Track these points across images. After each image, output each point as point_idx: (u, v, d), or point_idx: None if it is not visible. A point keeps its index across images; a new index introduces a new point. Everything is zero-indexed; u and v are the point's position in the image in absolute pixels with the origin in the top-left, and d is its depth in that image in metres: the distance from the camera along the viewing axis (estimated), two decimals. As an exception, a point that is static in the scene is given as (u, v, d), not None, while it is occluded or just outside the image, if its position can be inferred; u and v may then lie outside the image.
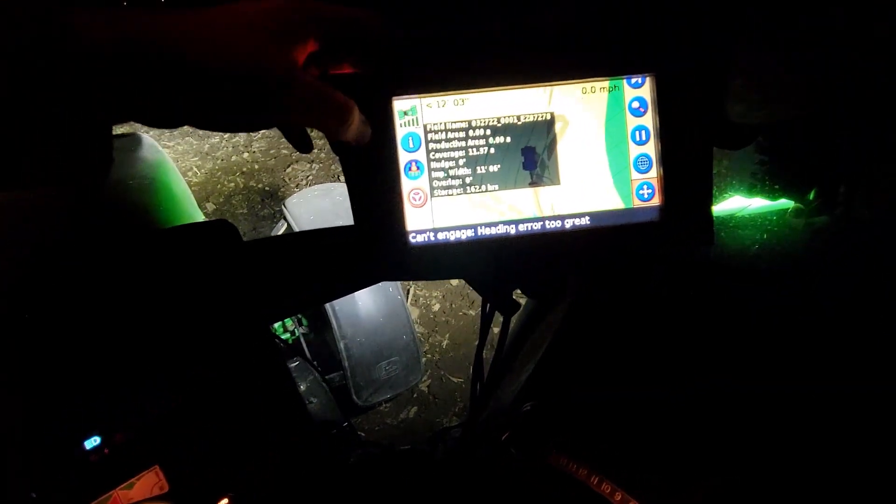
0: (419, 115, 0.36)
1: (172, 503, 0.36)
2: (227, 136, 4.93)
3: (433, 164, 0.37)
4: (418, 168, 0.37)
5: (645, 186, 0.37)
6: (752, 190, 0.50)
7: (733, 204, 0.56)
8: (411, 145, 0.37)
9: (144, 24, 0.24)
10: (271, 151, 4.36)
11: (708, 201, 0.37)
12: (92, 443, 0.36)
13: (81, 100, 0.23)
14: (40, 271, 0.43)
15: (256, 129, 0.29)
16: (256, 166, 4.11)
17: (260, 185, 3.82)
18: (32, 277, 0.42)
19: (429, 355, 2.04)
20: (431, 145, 0.37)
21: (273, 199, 3.64)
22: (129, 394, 0.38)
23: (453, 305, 2.30)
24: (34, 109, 0.22)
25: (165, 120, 0.26)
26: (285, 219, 1.66)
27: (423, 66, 0.36)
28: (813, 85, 0.43)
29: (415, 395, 1.86)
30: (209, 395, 0.41)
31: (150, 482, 0.37)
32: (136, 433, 0.37)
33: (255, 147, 4.49)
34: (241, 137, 4.76)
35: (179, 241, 0.45)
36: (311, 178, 3.85)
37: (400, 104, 0.36)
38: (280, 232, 1.84)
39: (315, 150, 2.65)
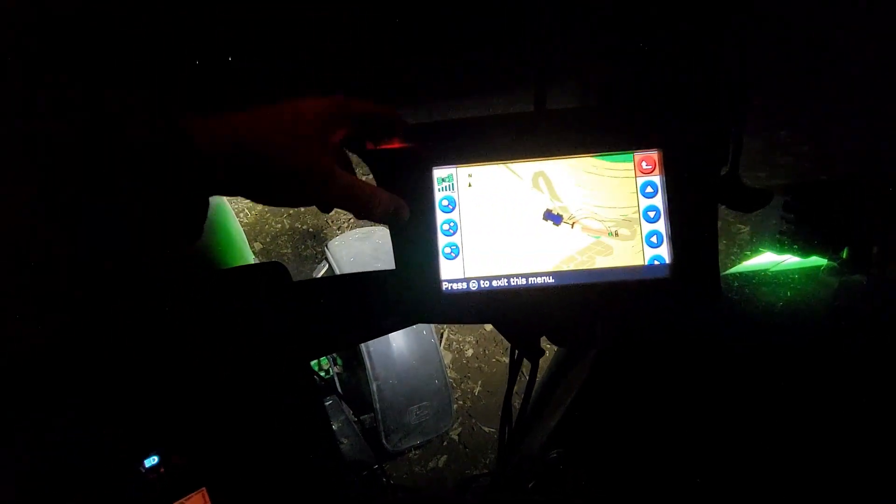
0: (455, 182, 0.42)
1: (215, 526, 0.39)
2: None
3: (466, 224, 0.42)
4: (453, 227, 0.42)
5: (655, 246, 0.41)
6: (780, 247, 0.50)
7: (765, 259, 0.56)
8: (448, 206, 0.42)
9: (234, 129, 0.31)
10: (317, 195, 4.60)
11: (714, 261, 0.40)
12: (151, 461, 0.39)
13: (193, 187, 0.30)
14: (112, 303, 0.48)
15: (300, 207, 0.38)
16: (302, 209, 4.34)
17: (305, 227, 4.02)
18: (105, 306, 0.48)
19: (460, 402, 2.00)
20: (465, 207, 0.42)
21: (316, 240, 3.81)
22: (186, 419, 0.42)
23: (487, 351, 2.27)
24: (154, 193, 0.28)
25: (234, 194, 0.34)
26: (327, 260, 1.74)
27: (460, 141, 0.42)
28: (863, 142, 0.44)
29: (445, 444, 1.81)
30: (254, 425, 0.44)
31: (196, 504, 0.39)
32: (189, 456, 0.40)
33: (303, 191, 4.76)
34: (290, 182, 5.05)
35: (238, 281, 0.50)
36: (352, 220, 4.02)
37: (439, 172, 0.42)
38: (322, 272, 1.92)
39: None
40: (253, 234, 4.00)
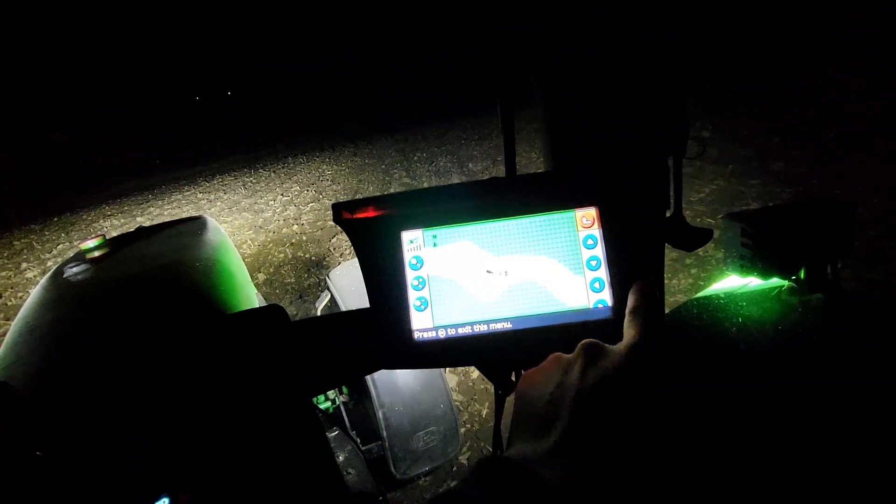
0: (422, 242, 0.47)
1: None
2: (278, 209, 5.32)
3: (433, 279, 0.47)
4: (421, 282, 0.47)
5: (598, 291, 0.45)
6: (742, 271, 0.53)
7: (731, 283, 0.59)
8: (416, 264, 0.47)
9: None
10: (318, 223, 4.68)
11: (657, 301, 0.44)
12: (162, 503, 0.42)
13: None
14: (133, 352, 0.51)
15: None
16: (304, 238, 4.40)
17: (307, 256, 4.07)
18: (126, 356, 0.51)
19: (468, 425, 1.99)
20: (432, 264, 0.47)
21: (318, 267, 3.85)
22: (192, 461, 0.44)
23: (492, 372, 2.26)
24: None
25: None
26: (328, 289, 1.76)
27: (424, 207, 0.47)
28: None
29: (454, 469, 1.79)
30: (259, 464, 0.47)
31: (205, 543, 0.41)
32: (196, 496, 0.43)
33: (304, 219, 4.84)
34: (291, 211, 5.15)
35: (240, 326, 0.53)
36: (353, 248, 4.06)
37: (407, 235, 0.47)
38: (324, 302, 1.94)
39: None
40: (256, 264, 4.04)
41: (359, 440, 1.46)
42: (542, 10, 0.54)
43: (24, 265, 4.99)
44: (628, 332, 0.38)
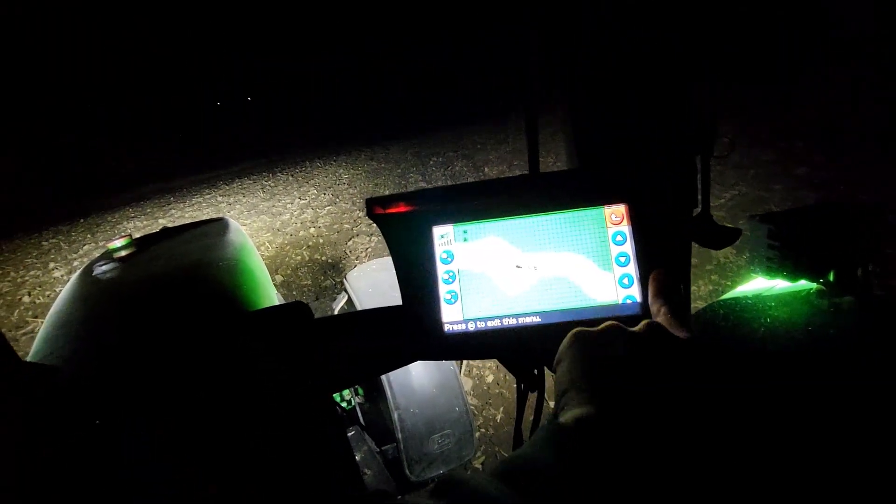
0: (453, 237, 0.48)
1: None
2: (296, 212, 5.39)
3: (463, 273, 0.47)
4: (452, 276, 0.47)
5: (627, 287, 0.45)
6: (769, 273, 0.52)
7: (756, 285, 0.58)
8: (447, 259, 0.48)
9: None
10: (335, 226, 4.73)
11: (683, 297, 0.44)
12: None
13: None
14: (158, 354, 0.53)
15: None
16: (321, 240, 4.45)
17: (323, 258, 4.11)
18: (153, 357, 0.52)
19: (483, 429, 1.99)
20: (462, 259, 0.47)
21: (335, 270, 3.89)
22: (219, 454, 0.45)
23: (507, 377, 2.25)
24: None
25: None
26: (346, 291, 1.77)
27: (456, 203, 0.48)
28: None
29: (469, 473, 1.79)
30: (281, 458, 0.47)
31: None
32: (220, 486, 0.43)
33: (321, 223, 4.90)
34: (308, 214, 5.21)
35: (265, 321, 0.54)
36: (369, 250, 4.10)
37: (438, 230, 0.48)
38: (341, 304, 1.96)
39: (374, 225, 2.84)
40: (274, 266, 4.09)
41: (374, 441, 1.46)
42: (542, 11, 0.54)
43: (51, 265, 5.15)
44: (677, 331, 0.38)
